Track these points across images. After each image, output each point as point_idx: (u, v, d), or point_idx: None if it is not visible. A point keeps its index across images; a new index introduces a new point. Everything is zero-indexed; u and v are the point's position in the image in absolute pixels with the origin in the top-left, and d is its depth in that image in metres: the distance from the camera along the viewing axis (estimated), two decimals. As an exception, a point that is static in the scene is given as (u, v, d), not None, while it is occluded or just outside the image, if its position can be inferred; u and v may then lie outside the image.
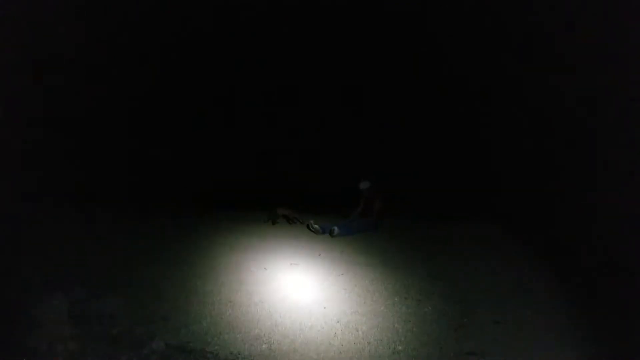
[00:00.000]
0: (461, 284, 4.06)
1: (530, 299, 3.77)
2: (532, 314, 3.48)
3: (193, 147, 9.42)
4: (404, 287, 3.95)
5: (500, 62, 7.70)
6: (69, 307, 3.32)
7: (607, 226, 5.20)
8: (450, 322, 3.30)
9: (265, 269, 4.33)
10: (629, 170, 5.32)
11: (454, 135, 8.63)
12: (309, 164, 9.50)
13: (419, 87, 8.80)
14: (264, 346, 2.86)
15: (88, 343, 2.86)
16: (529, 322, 3.34)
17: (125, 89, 8.28)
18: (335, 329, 3.12)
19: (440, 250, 5.27)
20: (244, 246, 5.08)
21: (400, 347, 2.91)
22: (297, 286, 3.91)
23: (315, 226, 5.90)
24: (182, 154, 9.28)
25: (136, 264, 4.32)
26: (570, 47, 6.29)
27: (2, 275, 3.78)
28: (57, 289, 3.59)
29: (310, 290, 3.84)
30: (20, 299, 3.41)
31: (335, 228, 5.76)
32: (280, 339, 2.96)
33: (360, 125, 9.36)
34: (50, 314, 3.24)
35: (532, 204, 6.60)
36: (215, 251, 4.84)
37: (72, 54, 7.42)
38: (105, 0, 7.49)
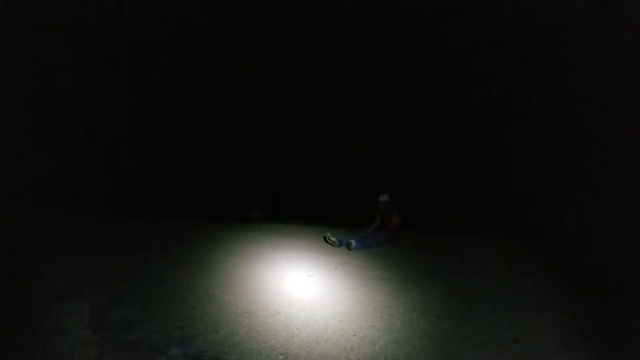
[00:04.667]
0: (481, 301, 3.99)
1: (552, 318, 3.68)
2: (553, 333, 3.40)
3: (200, 153, 9.51)
4: (421, 303, 3.90)
5: (522, 74, 7.65)
6: (88, 313, 3.37)
7: (629, 242, 5.08)
8: (469, 340, 3.24)
9: (280, 280, 4.32)
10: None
11: (474, 148, 8.55)
12: (326, 175, 9.49)
13: (438, 97, 8.76)
14: (280, 357, 2.85)
15: (107, 349, 2.89)
16: (550, 342, 3.26)
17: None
18: (352, 343, 3.10)
19: (460, 266, 5.20)
20: (259, 257, 5.09)
21: (417, 364, 2.87)
22: (313, 298, 3.90)
23: (333, 239, 5.88)
24: (189, 158, 9.38)
25: (153, 271, 4.36)
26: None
27: (24, 281, 3.85)
28: (77, 296, 3.65)
29: (326, 302, 3.82)
30: (41, 304, 3.47)
31: (353, 241, 5.73)
32: (296, 351, 2.94)
33: (378, 136, 9.33)
34: (71, 319, 3.29)
35: (554, 220, 6.49)
36: (231, 261, 4.85)
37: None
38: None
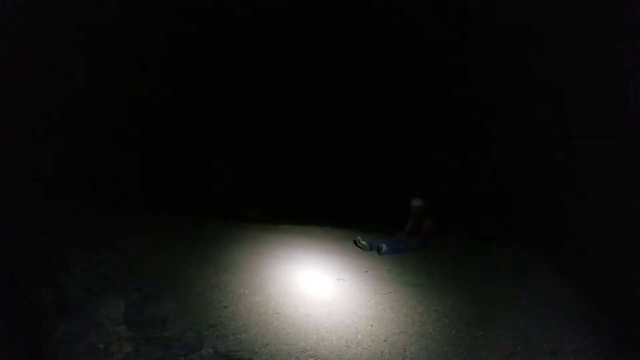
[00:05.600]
0: (516, 310, 3.86)
1: (591, 329, 3.54)
2: (592, 345, 3.27)
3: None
4: (453, 310, 3.82)
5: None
6: (123, 309, 3.46)
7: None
8: (503, 349, 3.16)
9: (311, 282, 4.32)
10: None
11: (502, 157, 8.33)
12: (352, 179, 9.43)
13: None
14: (311, 359, 2.85)
15: (141, 345, 2.96)
16: (588, 355, 3.14)
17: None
18: (383, 348, 3.07)
19: (493, 274, 5.06)
20: (289, 258, 5.11)
21: (450, 372, 2.82)
22: (343, 302, 3.88)
23: (363, 242, 5.83)
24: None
25: (186, 269, 4.43)
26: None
27: (61, 277, 3.97)
28: (112, 292, 3.76)
29: (356, 306, 3.79)
30: (78, 300, 3.58)
31: (384, 245, 5.67)
32: (326, 354, 2.94)
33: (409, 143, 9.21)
34: (106, 315, 3.38)
35: (585, 230, 6.24)
36: (262, 262, 4.89)
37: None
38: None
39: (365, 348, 3.06)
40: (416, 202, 6.35)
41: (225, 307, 3.61)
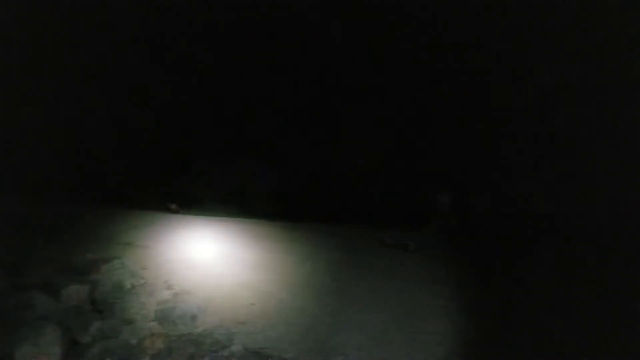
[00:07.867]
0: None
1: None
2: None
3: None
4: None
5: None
6: (155, 306, 3.53)
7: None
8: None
9: (337, 280, 4.30)
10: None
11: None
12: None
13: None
14: (339, 358, 2.85)
15: (173, 342, 3.01)
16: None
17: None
18: (413, 347, 3.04)
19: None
20: (316, 257, 5.08)
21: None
22: (370, 300, 3.85)
23: (389, 241, 5.76)
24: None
25: (214, 267, 4.47)
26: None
27: (93, 274, 4.05)
28: (144, 289, 3.83)
29: (383, 305, 3.76)
30: (111, 297, 3.65)
31: (411, 242, 5.59)
32: (356, 353, 2.93)
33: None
34: (139, 312, 3.45)
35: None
36: (289, 260, 4.89)
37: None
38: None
39: (396, 346, 3.05)
40: (443, 197, 6.19)
41: (252, 304, 3.63)
